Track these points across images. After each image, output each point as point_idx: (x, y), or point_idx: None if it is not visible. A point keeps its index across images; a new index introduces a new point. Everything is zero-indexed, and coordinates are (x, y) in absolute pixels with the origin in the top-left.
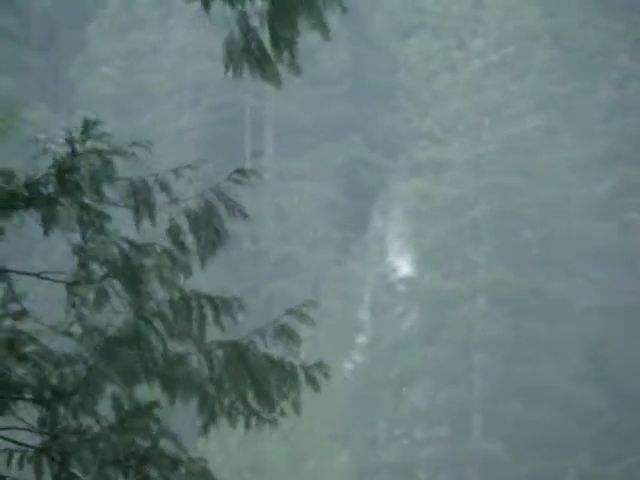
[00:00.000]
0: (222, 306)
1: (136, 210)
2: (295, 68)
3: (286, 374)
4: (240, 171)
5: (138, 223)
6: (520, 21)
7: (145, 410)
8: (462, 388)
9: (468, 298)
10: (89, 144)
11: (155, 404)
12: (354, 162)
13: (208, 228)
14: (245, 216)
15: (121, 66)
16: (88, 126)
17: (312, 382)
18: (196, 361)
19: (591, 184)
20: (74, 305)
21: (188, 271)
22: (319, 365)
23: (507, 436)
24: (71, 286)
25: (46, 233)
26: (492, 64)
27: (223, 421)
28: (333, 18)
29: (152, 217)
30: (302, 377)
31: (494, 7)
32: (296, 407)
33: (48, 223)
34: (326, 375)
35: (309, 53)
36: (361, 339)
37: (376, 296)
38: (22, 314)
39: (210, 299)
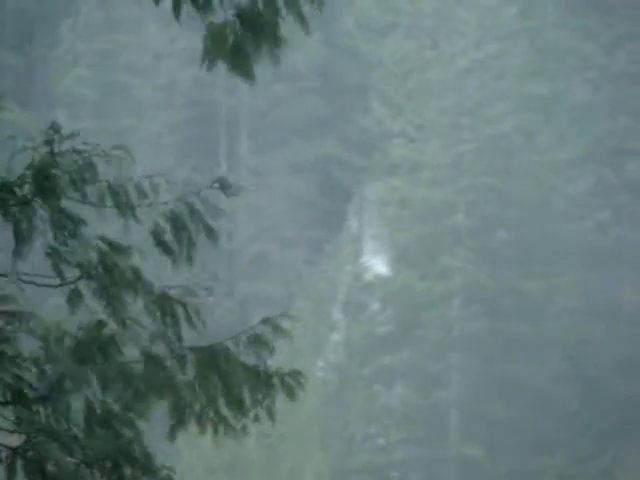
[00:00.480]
0: (193, 310)
1: (117, 211)
2: (275, 57)
3: (260, 381)
4: (220, 181)
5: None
6: (496, 21)
7: (117, 415)
8: (439, 388)
9: (444, 298)
10: (67, 145)
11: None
12: (328, 160)
13: (187, 230)
14: (212, 233)
15: (96, 66)
16: (57, 129)
17: (288, 390)
18: (169, 365)
19: (568, 185)
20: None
21: (151, 288)
22: (295, 373)
23: (484, 436)
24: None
25: (17, 254)
26: (468, 64)
27: (192, 426)
28: (307, 15)
29: (133, 217)
30: (277, 384)
31: (469, 7)
32: (270, 414)
33: (20, 241)
34: (301, 384)
35: (284, 49)
36: (335, 338)
37: (350, 296)
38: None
39: (182, 304)
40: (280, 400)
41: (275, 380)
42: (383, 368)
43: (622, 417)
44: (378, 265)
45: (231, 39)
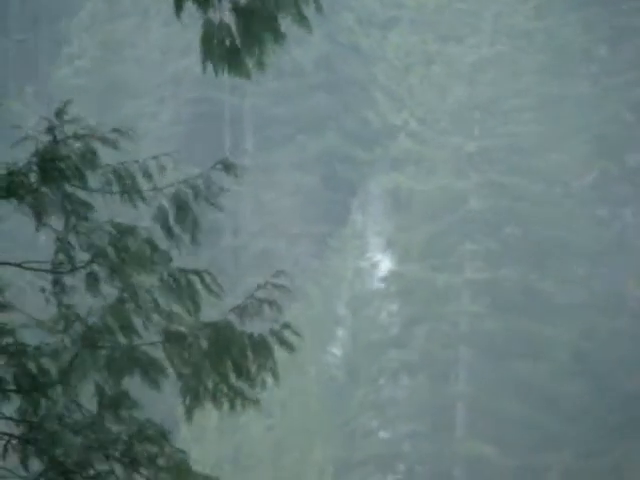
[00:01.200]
0: (210, 279)
1: (121, 196)
2: (261, 66)
3: (259, 344)
4: (224, 162)
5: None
6: (505, 18)
7: (125, 398)
8: (446, 383)
9: (450, 293)
10: (70, 131)
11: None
12: (332, 155)
13: (192, 213)
14: (220, 207)
15: (99, 59)
16: (61, 112)
17: (285, 344)
18: (188, 342)
19: (573, 180)
20: (57, 294)
21: (168, 259)
22: (286, 326)
23: (492, 431)
24: (55, 274)
25: (38, 228)
26: (472, 59)
27: (208, 404)
28: (311, 10)
29: (141, 200)
30: (274, 342)
31: (472, 1)
32: (275, 375)
33: (39, 217)
34: (297, 334)
35: (285, 44)
36: (340, 333)
37: (355, 290)
38: (3, 307)
39: (197, 273)
40: (287, 392)
41: (272, 339)
42: (389, 362)
43: (629, 413)
44: (383, 260)
45: (227, 41)
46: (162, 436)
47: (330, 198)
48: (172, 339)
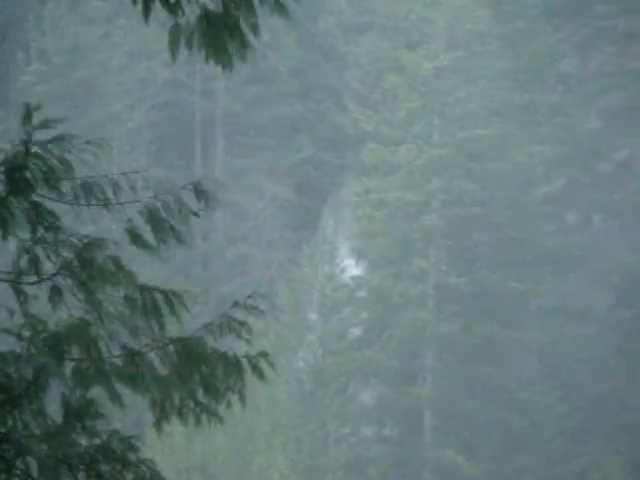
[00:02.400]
0: (175, 299)
1: (90, 208)
2: (242, 58)
3: (231, 366)
4: (195, 187)
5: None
6: (470, 25)
7: (91, 409)
8: (413, 388)
9: (418, 299)
10: (40, 137)
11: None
12: (304, 162)
13: (161, 229)
14: (197, 215)
15: (65, 64)
16: (30, 113)
17: (257, 371)
18: (150, 358)
19: (540, 186)
20: (22, 304)
21: (133, 277)
22: (263, 354)
23: (459, 437)
24: (19, 285)
25: (4, 237)
26: (442, 66)
27: (174, 418)
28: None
29: (109, 211)
30: (247, 367)
31: (444, 9)
32: (242, 398)
33: (5, 226)
34: (271, 364)
35: (258, 51)
36: (311, 338)
37: (325, 296)
38: None
39: (163, 292)
40: (256, 397)
41: (245, 363)
42: (358, 368)
43: (596, 417)
44: (352, 266)
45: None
46: (128, 448)
47: (303, 204)
48: (140, 354)
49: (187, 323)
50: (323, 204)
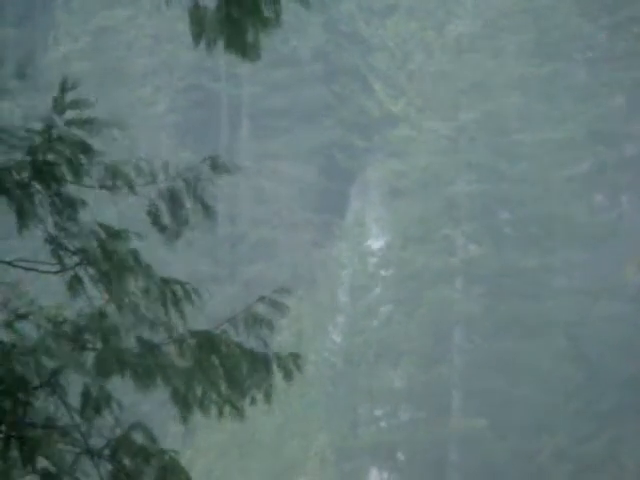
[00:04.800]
0: (193, 292)
1: (114, 191)
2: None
3: (258, 364)
4: (213, 159)
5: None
6: (496, 1)
7: (110, 399)
8: (441, 368)
9: (446, 278)
10: (65, 130)
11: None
12: (330, 144)
13: (182, 209)
14: (209, 210)
15: (91, 45)
16: (64, 92)
17: (285, 372)
18: (169, 351)
19: (568, 164)
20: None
21: (150, 272)
22: (293, 356)
23: (487, 415)
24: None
25: (21, 228)
26: (468, 43)
27: (196, 410)
28: None
29: (132, 194)
30: (275, 367)
31: None
32: (267, 397)
33: (23, 217)
34: (299, 367)
35: (282, 34)
36: (340, 320)
37: (355, 277)
38: None
39: (180, 284)
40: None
41: (272, 363)
42: (387, 348)
43: (622, 397)
44: (382, 247)
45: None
46: (150, 439)
47: (329, 187)
48: (146, 349)
49: (214, 308)
50: (350, 186)
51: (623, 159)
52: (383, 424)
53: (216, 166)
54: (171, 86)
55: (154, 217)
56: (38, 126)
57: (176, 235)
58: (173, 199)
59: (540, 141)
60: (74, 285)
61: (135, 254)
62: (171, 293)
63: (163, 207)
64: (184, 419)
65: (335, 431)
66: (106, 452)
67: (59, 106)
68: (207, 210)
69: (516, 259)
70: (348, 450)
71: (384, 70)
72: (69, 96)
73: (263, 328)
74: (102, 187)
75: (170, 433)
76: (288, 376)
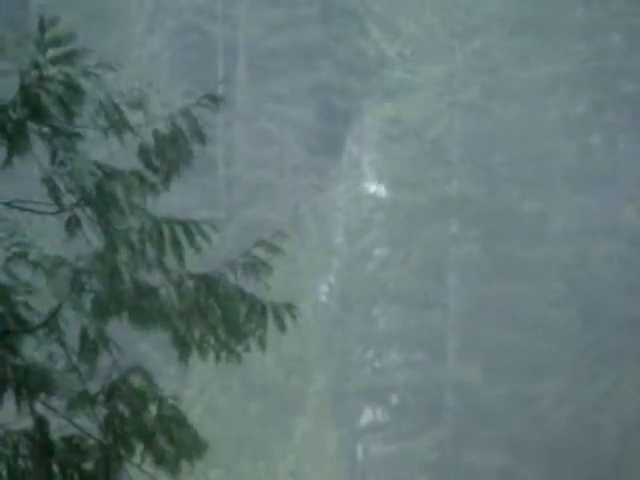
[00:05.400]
0: (195, 230)
1: (106, 132)
2: None
3: (254, 311)
4: (209, 96)
5: (109, 144)
6: None
7: (108, 341)
8: (437, 311)
9: (441, 221)
10: (55, 70)
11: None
12: (327, 86)
13: (174, 149)
14: (204, 140)
15: None
16: (44, 28)
17: (279, 321)
18: (166, 293)
19: (563, 105)
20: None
21: (156, 192)
22: (288, 306)
23: (483, 359)
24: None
25: (6, 163)
26: None
27: (194, 353)
28: None
29: (121, 137)
30: (270, 315)
31: None
32: (262, 344)
33: (13, 152)
34: (293, 317)
35: None
36: (336, 263)
37: (351, 220)
38: None
39: (182, 224)
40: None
41: (269, 312)
42: (382, 291)
43: (622, 339)
44: (378, 189)
45: None
46: (149, 383)
47: (325, 129)
48: (142, 292)
49: (211, 251)
50: (346, 129)
51: (620, 98)
52: (377, 366)
53: (214, 99)
54: (166, 27)
55: (146, 158)
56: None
57: (172, 175)
58: (167, 139)
59: (536, 80)
60: (72, 226)
61: (131, 196)
62: (170, 233)
63: (156, 148)
64: (183, 360)
65: (330, 373)
66: (101, 397)
67: (41, 45)
68: (202, 138)
69: (511, 201)
70: (342, 392)
71: (380, 12)
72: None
73: (261, 272)
74: (94, 127)
75: (166, 374)
76: (282, 327)
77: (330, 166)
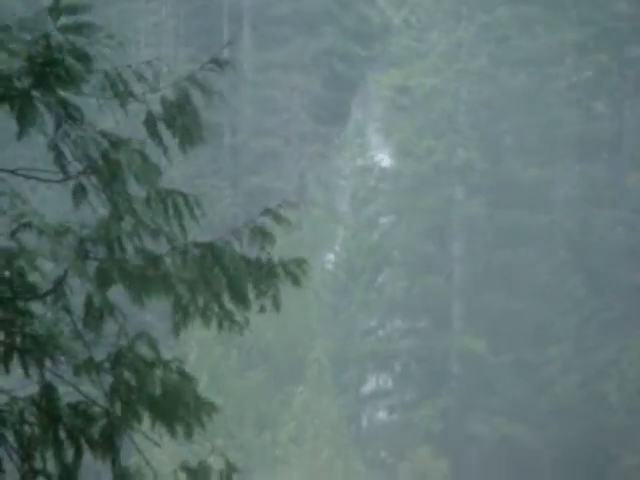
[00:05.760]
0: (195, 202)
1: (115, 99)
2: None
3: (263, 272)
4: (215, 60)
5: (115, 114)
6: None
7: (113, 309)
8: (441, 279)
9: (446, 188)
10: (63, 38)
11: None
12: (332, 53)
13: (182, 116)
14: (222, 99)
15: None
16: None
17: (292, 277)
18: (170, 261)
19: (568, 72)
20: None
21: (158, 172)
22: (298, 261)
23: (489, 326)
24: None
25: (21, 135)
26: None
27: (197, 321)
28: None
29: (125, 107)
30: (281, 273)
31: None
32: (276, 303)
33: (23, 122)
34: (304, 271)
35: None
36: (342, 231)
37: (356, 188)
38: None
39: (183, 196)
40: (287, 288)
41: (279, 269)
42: (387, 259)
43: (627, 306)
44: (383, 158)
45: None
46: (154, 351)
47: (331, 97)
48: (146, 259)
49: (216, 217)
50: (352, 96)
51: (625, 62)
52: (382, 334)
53: (220, 63)
54: None
55: (151, 127)
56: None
57: (186, 142)
58: (175, 105)
59: (542, 48)
60: (78, 194)
61: (143, 154)
62: (173, 204)
63: (164, 115)
64: (176, 331)
65: (334, 340)
66: (106, 364)
67: (54, 11)
68: (195, 122)
69: (516, 169)
70: (347, 360)
71: None
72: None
73: (266, 240)
74: (101, 96)
75: (169, 345)
76: (295, 281)
77: (336, 134)
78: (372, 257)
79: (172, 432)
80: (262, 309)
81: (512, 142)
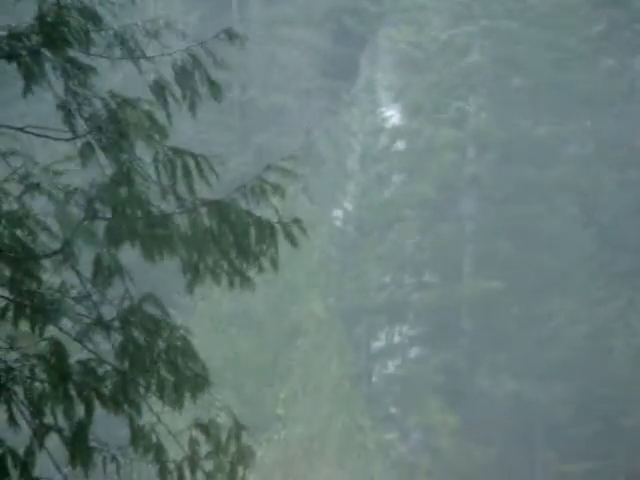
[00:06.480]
0: (204, 162)
1: (124, 59)
2: None
3: (264, 230)
4: (227, 32)
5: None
6: None
7: (121, 268)
8: (452, 233)
9: (457, 146)
10: None
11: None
12: (340, 9)
13: (194, 79)
14: (228, 67)
15: None
16: None
17: (290, 238)
18: (180, 220)
19: (582, 28)
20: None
21: (166, 133)
22: (296, 221)
23: (498, 278)
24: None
25: (26, 92)
26: None
27: (208, 279)
28: None
29: (139, 66)
30: (280, 233)
31: None
32: (274, 263)
33: (29, 80)
34: (304, 231)
35: None
36: (351, 188)
37: (366, 145)
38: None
39: (193, 155)
40: (287, 249)
41: (278, 228)
42: (397, 216)
43: (636, 261)
44: (393, 115)
45: None
46: (161, 312)
47: (339, 52)
48: (170, 215)
49: (225, 175)
50: (361, 52)
51: (636, 16)
52: (393, 287)
53: (232, 37)
54: None
55: (158, 90)
56: None
57: (187, 109)
58: (182, 71)
59: (556, 2)
60: (86, 153)
61: (150, 115)
62: (182, 164)
63: (175, 79)
64: (189, 289)
65: (345, 296)
66: (116, 323)
67: None
68: (213, 86)
69: (528, 126)
70: (357, 315)
71: None
72: None
73: (273, 196)
74: (109, 56)
75: (177, 303)
76: (294, 242)
77: (344, 90)
78: (384, 214)
79: (160, 394)
80: (260, 268)
81: (524, 98)
